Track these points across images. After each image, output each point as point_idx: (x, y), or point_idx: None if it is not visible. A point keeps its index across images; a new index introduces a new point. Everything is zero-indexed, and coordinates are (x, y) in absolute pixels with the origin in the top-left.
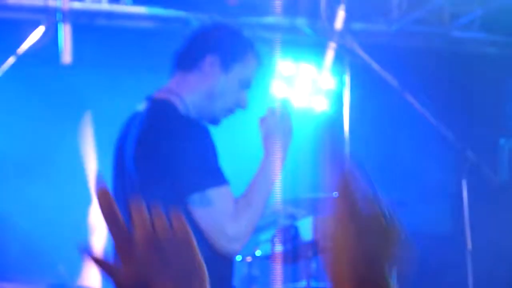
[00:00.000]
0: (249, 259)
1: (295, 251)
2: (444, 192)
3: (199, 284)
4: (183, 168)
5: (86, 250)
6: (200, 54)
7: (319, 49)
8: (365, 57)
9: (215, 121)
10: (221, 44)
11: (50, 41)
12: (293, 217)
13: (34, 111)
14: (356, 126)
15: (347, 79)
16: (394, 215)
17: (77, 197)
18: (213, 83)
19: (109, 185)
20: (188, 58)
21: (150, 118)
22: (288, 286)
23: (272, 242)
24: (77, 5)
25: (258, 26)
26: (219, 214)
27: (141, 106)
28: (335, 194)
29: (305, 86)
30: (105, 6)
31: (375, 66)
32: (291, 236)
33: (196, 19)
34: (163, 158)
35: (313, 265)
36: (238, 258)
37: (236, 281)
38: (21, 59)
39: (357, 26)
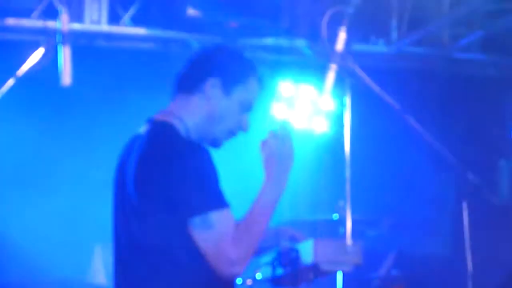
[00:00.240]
0: (249, 282)
1: (296, 274)
2: (444, 214)
3: None
4: (184, 191)
5: None
6: (201, 76)
7: (319, 70)
8: (366, 78)
9: (216, 143)
10: (223, 66)
11: (50, 62)
12: (293, 240)
13: (34, 132)
14: (356, 148)
15: (348, 100)
16: None
17: (76, 214)
18: (214, 105)
19: (110, 207)
20: (189, 80)
21: (151, 141)
22: None
23: (272, 265)
24: (76, 27)
25: (258, 48)
26: (220, 238)
27: (142, 129)
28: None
29: (305, 108)
30: (105, 28)
31: (375, 87)
32: (291, 259)
33: (196, 40)
34: (164, 181)
35: None
36: (239, 281)
37: None
38: (21, 80)
39: (357, 47)
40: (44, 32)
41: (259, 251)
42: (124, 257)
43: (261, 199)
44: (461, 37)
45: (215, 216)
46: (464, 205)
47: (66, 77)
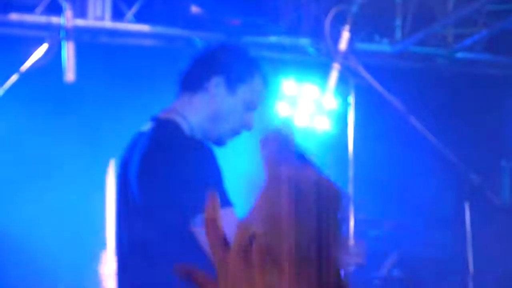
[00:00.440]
0: None
1: None
2: (446, 214)
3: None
4: (187, 190)
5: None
6: (205, 75)
7: (322, 69)
8: (369, 78)
9: (220, 142)
10: (227, 65)
11: (53, 58)
12: None
13: (37, 128)
14: (359, 147)
15: (351, 99)
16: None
17: (79, 212)
18: (218, 104)
19: (113, 204)
20: (193, 78)
21: (155, 139)
22: None
23: None
24: (80, 23)
25: (261, 46)
26: None
27: (146, 126)
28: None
29: (307, 106)
30: (108, 24)
31: (378, 87)
32: None
33: (199, 38)
34: (167, 179)
35: None
36: None
37: None
38: (24, 76)
39: (361, 46)
40: (48, 28)
41: None
42: (126, 255)
43: None
44: (465, 36)
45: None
46: (466, 206)
47: (70, 73)
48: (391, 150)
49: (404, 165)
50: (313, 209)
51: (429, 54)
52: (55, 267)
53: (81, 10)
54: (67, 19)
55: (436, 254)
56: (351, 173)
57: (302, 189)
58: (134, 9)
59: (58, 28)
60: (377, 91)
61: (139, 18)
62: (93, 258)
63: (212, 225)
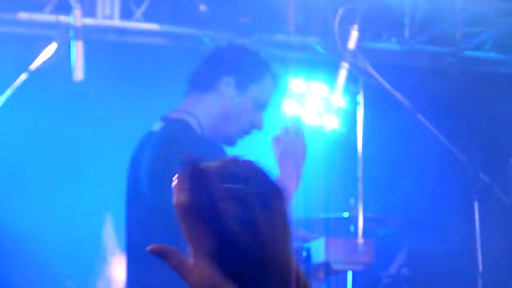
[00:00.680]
0: None
1: (307, 273)
2: (455, 213)
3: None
4: None
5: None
6: (216, 74)
7: (330, 67)
8: (378, 76)
9: (230, 141)
10: (237, 65)
11: (62, 57)
12: (304, 239)
13: (46, 127)
14: (368, 146)
15: (360, 98)
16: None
17: (89, 211)
18: (228, 104)
19: (123, 203)
20: (203, 78)
21: (166, 138)
22: None
23: None
24: (89, 21)
25: (269, 44)
26: None
27: (156, 126)
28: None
29: (316, 104)
30: (117, 23)
31: (387, 86)
32: (302, 257)
33: (208, 36)
34: None
35: (325, 287)
36: None
37: None
38: (33, 75)
39: (369, 45)
40: (57, 26)
41: None
42: (137, 254)
43: None
44: (473, 35)
45: None
46: (475, 204)
47: (78, 72)
48: (399, 148)
49: (412, 163)
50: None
51: (437, 52)
52: (65, 269)
53: (90, 9)
54: (76, 18)
55: (445, 253)
56: (360, 171)
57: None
58: (143, 7)
59: (67, 27)
60: (386, 89)
61: (148, 16)
62: (104, 259)
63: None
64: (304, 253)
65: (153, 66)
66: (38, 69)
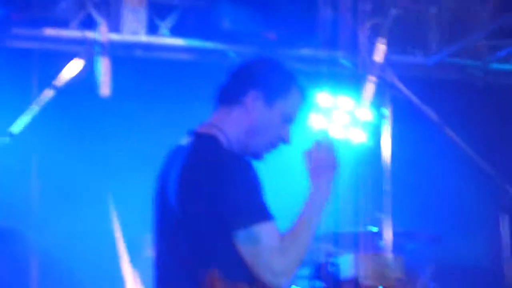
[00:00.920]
0: None
1: None
2: (483, 226)
3: None
4: (229, 204)
5: None
6: (243, 88)
7: (356, 81)
8: (405, 90)
9: (258, 156)
10: (264, 78)
11: (89, 73)
12: (331, 255)
13: (73, 143)
14: (396, 159)
15: (388, 112)
16: None
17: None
18: (256, 118)
19: (151, 218)
20: (231, 92)
21: (194, 153)
22: None
23: (310, 278)
24: (115, 37)
25: (295, 59)
26: (265, 250)
27: (184, 140)
28: None
29: (342, 118)
30: (143, 38)
31: (414, 99)
32: (331, 272)
33: (234, 51)
34: (208, 193)
35: None
36: None
37: None
38: (60, 91)
39: (395, 58)
40: (83, 42)
41: None
42: (167, 268)
43: (307, 210)
44: (499, 48)
45: (260, 229)
46: (503, 217)
47: (105, 88)
48: (427, 162)
49: (440, 176)
50: None
51: (463, 65)
52: (92, 284)
53: (115, 25)
54: (102, 33)
55: (473, 266)
56: (387, 185)
57: None
58: (169, 23)
59: (93, 42)
60: (413, 102)
61: (174, 32)
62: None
63: None
64: (333, 269)
65: (179, 81)
66: (65, 85)
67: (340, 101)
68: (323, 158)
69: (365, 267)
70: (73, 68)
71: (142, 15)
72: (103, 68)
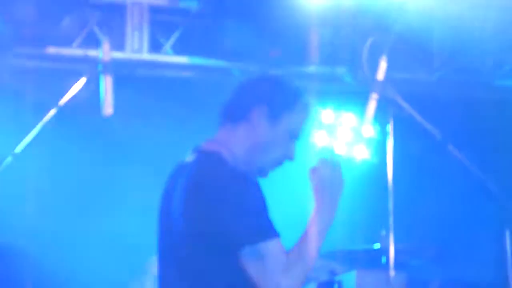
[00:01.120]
0: None
1: None
2: (487, 243)
3: None
4: (234, 222)
5: None
6: (248, 105)
7: (360, 98)
8: (407, 107)
9: (263, 172)
10: (269, 95)
11: (92, 92)
12: (333, 273)
13: (75, 162)
14: (398, 176)
15: (390, 128)
16: None
17: (119, 240)
18: (261, 134)
19: (156, 235)
20: (236, 109)
21: (199, 170)
22: None
23: None
24: (117, 55)
25: (299, 75)
26: (270, 268)
27: (189, 157)
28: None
29: (345, 135)
30: (146, 56)
31: (416, 116)
32: None
33: (237, 68)
34: (213, 211)
35: None
36: None
37: None
38: (62, 110)
39: (398, 75)
40: (86, 61)
41: None
42: (172, 284)
43: (312, 227)
44: (504, 63)
45: (265, 247)
46: (507, 234)
47: (108, 107)
48: (430, 178)
49: (443, 194)
50: None
51: (467, 81)
52: None
53: (118, 43)
54: (104, 52)
55: (477, 283)
56: (391, 202)
57: None
58: (172, 41)
59: (95, 61)
60: (416, 119)
61: (177, 50)
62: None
63: None
64: (336, 286)
65: (182, 99)
66: (68, 103)
67: (343, 118)
68: (328, 176)
69: (367, 284)
70: (75, 86)
71: (145, 33)
72: (106, 86)
